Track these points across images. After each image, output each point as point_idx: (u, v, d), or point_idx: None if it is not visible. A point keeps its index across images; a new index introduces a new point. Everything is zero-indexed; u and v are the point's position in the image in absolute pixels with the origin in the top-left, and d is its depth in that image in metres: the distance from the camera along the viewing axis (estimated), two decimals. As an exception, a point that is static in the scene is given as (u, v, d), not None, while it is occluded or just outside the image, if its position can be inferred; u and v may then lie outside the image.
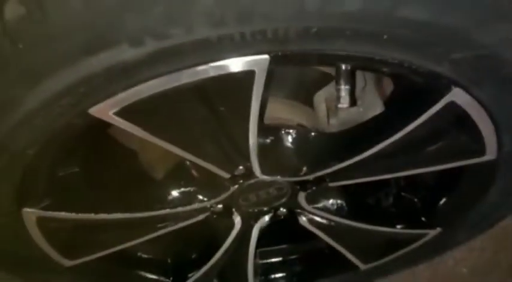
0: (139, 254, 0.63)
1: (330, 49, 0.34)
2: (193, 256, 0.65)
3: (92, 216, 0.48)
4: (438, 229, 0.61)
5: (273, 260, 0.71)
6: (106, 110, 0.35)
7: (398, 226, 0.61)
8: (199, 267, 0.64)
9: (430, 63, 0.35)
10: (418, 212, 0.61)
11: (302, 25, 0.31)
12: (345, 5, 0.30)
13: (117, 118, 0.36)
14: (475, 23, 0.32)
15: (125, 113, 0.36)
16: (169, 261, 0.66)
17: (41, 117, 0.34)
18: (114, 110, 0.35)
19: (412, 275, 0.79)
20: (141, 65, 0.32)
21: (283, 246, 0.71)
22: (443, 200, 0.58)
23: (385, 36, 0.32)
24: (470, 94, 0.39)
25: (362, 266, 0.68)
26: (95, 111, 0.35)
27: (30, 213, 0.45)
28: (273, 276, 0.72)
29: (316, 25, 0.31)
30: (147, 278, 0.64)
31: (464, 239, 0.66)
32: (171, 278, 0.66)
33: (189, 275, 0.65)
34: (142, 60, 0.31)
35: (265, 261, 0.70)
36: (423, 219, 0.60)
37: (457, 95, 0.38)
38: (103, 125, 0.40)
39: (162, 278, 0.65)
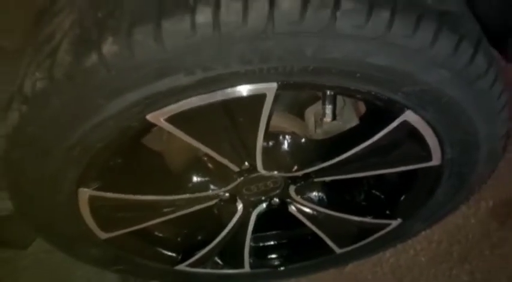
0: (156, 233, 0.77)
1: (320, 81, 0.48)
2: (199, 237, 0.79)
3: (130, 196, 0.61)
4: (399, 220, 0.76)
5: (266, 243, 0.85)
6: (159, 117, 0.49)
7: (368, 217, 0.76)
8: (204, 246, 0.78)
9: (388, 93, 0.50)
10: (383, 206, 0.75)
11: (303, 64, 0.45)
12: (332, 53, 0.44)
13: (165, 123, 0.49)
14: (419, 68, 0.47)
15: (171, 119, 0.49)
16: (179, 240, 0.80)
17: (114, 120, 0.47)
18: (165, 117, 0.49)
19: (379, 262, 0.94)
20: (190, 87, 0.46)
21: (275, 232, 0.85)
22: (403, 196, 0.73)
23: (358, 74, 0.47)
24: (419, 115, 0.53)
25: (338, 250, 0.82)
26: (151, 117, 0.48)
27: (85, 192, 0.58)
28: (264, 257, 0.86)
29: (312, 65, 0.45)
30: (161, 253, 0.77)
31: (419, 229, 0.81)
32: (180, 255, 0.79)
33: (196, 252, 0.79)
34: (192, 84, 0.45)
35: (259, 244, 0.84)
36: (387, 211, 0.75)
37: (409, 116, 0.53)
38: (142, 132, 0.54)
39: (173, 254, 0.79)
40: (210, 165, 0.64)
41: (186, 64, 0.43)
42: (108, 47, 0.42)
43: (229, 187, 0.65)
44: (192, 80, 0.44)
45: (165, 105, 0.47)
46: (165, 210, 0.68)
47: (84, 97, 0.45)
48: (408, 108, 0.52)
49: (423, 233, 0.91)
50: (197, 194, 0.65)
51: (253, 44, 0.42)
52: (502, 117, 0.57)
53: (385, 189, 0.75)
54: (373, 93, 0.50)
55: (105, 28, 0.42)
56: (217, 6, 0.40)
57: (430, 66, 0.47)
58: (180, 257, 0.79)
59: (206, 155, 0.61)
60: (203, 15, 0.40)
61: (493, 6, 0.60)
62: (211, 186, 0.66)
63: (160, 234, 0.78)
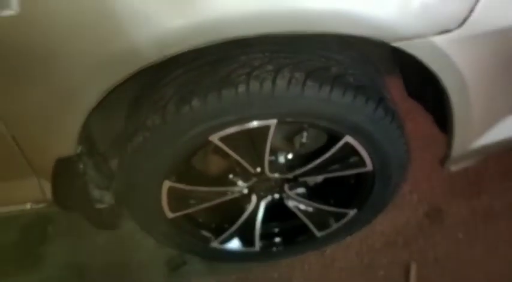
0: (199, 219, 1.19)
1: (302, 122, 0.93)
2: (226, 221, 1.21)
3: (192, 187, 1.05)
4: (355, 210, 1.18)
5: (269, 230, 1.27)
6: (215, 137, 0.93)
7: (335, 207, 1.19)
8: (227, 229, 1.20)
9: (334, 126, 0.95)
10: (345, 199, 1.18)
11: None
12: (307, 109, 0.90)
13: (219, 142, 0.94)
14: (349, 114, 0.92)
15: (221, 139, 0.94)
16: (213, 226, 1.22)
17: (202, 136, 0.91)
18: (219, 137, 0.93)
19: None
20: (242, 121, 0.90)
21: (274, 223, 1.27)
22: (355, 193, 1.16)
23: (319, 118, 0.92)
24: (354, 138, 0.98)
25: (318, 234, 1.24)
26: (212, 137, 0.93)
27: (166, 184, 1.01)
28: (267, 240, 1.27)
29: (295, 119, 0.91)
30: (203, 234, 1.19)
31: (370, 217, 1.23)
32: (214, 236, 1.21)
33: (222, 234, 1.20)
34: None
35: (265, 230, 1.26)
36: (347, 203, 1.18)
37: (348, 138, 0.98)
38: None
39: (210, 235, 1.20)
40: (237, 169, 1.08)
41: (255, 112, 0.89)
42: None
43: (248, 184, 1.09)
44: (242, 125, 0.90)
45: (222, 129, 0.92)
46: (212, 197, 1.11)
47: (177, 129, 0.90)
48: (347, 134, 0.97)
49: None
50: (230, 188, 1.09)
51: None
52: (402, 141, 1.02)
53: (345, 186, 1.18)
54: (327, 126, 0.95)
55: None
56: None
57: (354, 113, 0.92)
58: (213, 237, 1.21)
59: (236, 161, 1.04)
60: None
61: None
62: (239, 183, 1.10)
63: (201, 220, 1.20)
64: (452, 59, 0.83)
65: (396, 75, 1.15)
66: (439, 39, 0.81)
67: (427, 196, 1.41)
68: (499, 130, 1.05)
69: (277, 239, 1.28)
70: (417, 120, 1.24)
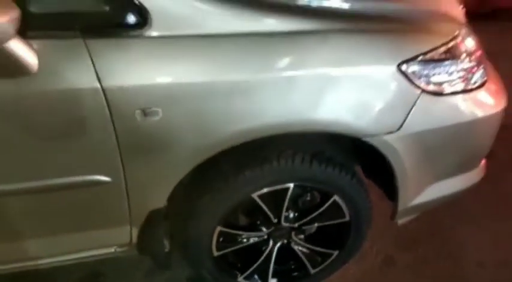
0: (230, 258, 1.67)
1: (307, 185, 1.50)
2: (246, 262, 1.69)
3: (236, 231, 1.55)
4: (337, 251, 1.71)
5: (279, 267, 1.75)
6: (255, 195, 1.46)
7: (325, 249, 1.71)
8: (249, 267, 1.68)
9: (327, 188, 1.52)
10: (330, 243, 1.71)
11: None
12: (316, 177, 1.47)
13: (257, 198, 1.47)
14: (335, 181, 1.51)
15: (259, 196, 1.47)
16: (239, 265, 1.70)
17: (247, 194, 1.45)
18: (257, 195, 1.47)
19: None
20: (271, 185, 1.45)
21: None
22: (338, 237, 1.70)
23: (313, 183, 1.50)
24: (338, 196, 1.55)
25: (312, 271, 1.74)
26: (253, 195, 1.46)
27: (219, 229, 1.51)
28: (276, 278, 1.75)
29: (304, 183, 1.48)
30: (232, 271, 1.66)
31: (347, 258, 1.76)
32: (240, 273, 1.68)
33: (247, 270, 1.68)
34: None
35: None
36: (332, 246, 1.71)
37: (336, 197, 1.55)
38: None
39: (237, 272, 1.67)
40: (262, 218, 1.60)
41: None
42: None
43: (269, 230, 1.61)
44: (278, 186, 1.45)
45: (260, 190, 1.46)
46: (243, 240, 1.61)
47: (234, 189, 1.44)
48: (334, 194, 1.54)
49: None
50: (257, 233, 1.61)
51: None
52: (367, 200, 1.60)
53: (329, 234, 1.72)
54: (323, 188, 1.52)
55: None
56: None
57: (339, 180, 1.51)
58: (239, 274, 1.68)
59: (264, 213, 1.56)
60: None
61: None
62: (264, 230, 1.61)
63: (230, 259, 1.68)
64: (396, 149, 1.45)
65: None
66: (387, 137, 1.43)
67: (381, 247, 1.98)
68: (426, 194, 1.66)
69: (281, 277, 1.77)
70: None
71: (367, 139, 1.42)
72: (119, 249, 1.55)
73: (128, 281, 1.83)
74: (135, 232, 1.49)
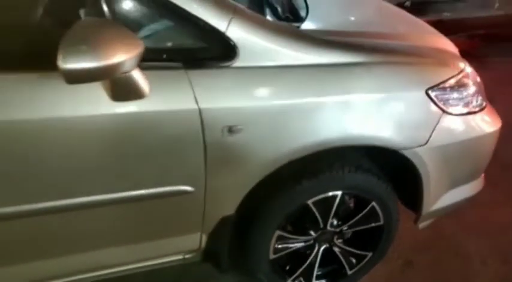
0: (280, 261, 1.88)
1: (352, 192, 1.76)
2: (293, 265, 1.91)
3: (290, 235, 1.78)
4: (371, 252, 1.97)
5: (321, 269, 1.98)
6: (310, 202, 1.71)
7: (361, 251, 1.96)
8: (300, 267, 1.90)
9: (367, 195, 1.78)
10: (365, 245, 1.96)
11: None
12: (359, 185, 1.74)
13: (311, 204, 1.72)
14: (374, 189, 1.78)
15: (313, 203, 1.72)
16: (287, 268, 1.91)
17: (302, 201, 1.69)
18: (311, 202, 1.71)
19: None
20: (323, 192, 1.71)
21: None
22: (372, 240, 1.96)
23: (359, 191, 1.76)
24: (375, 202, 1.82)
25: (349, 272, 1.98)
26: (308, 201, 1.71)
27: (278, 233, 1.74)
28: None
29: (349, 191, 1.74)
30: (283, 274, 1.88)
31: (378, 259, 2.01)
32: (288, 276, 1.89)
33: (293, 274, 1.90)
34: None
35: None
36: (368, 247, 1.97)
37: (374, 203, 1.81)
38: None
39: (286, 276, 1.89)
40: (313, 225, 1.84)
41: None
42: None
43: (316, 235, 1.85)
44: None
45: (314, 197, 1.70)
46: (294, 245, 1.84)
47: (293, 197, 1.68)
48: (373, 200, 1.81)
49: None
50: (307, 238, 1.84)
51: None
52: (396, 205, 1.87)
53: (364, 237, 1.97)
54: (363, 196, 1.79)
55: None
56: (331, 171, 1.70)
57: (377, 188, 1.78)
58: (287, 276, 1.89)
59: (315, 218, 1.80)
60: None
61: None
62: (312, 234, 1.85)
63: (280, 262, 1.90)
64: (424, 160, 1.75)
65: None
66: (417, 149, 1.72)
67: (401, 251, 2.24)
68: (443, 200, 1.96)
69: (322, 279, 1.99)
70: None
71: (403, 151, 1.70)
72: (187, 256, 1.74)
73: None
74: (204, 238, 1.69)
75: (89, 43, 1.10)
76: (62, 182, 1.37)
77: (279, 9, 1.86)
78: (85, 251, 1.57)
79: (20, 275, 1.52)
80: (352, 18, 2.20)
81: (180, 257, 1.74)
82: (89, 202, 1.43)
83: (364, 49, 1.67)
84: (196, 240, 1.69)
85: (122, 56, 1.13)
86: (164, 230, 1.64)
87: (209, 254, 1.75)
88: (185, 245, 1.70)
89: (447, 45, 2.10)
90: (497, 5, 5.69)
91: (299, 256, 1.91)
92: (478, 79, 1.91)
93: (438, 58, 1.86)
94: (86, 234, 1.53)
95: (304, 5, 1.91)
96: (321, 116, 1.54)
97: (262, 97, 1.48)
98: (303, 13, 1.86)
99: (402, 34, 2.08)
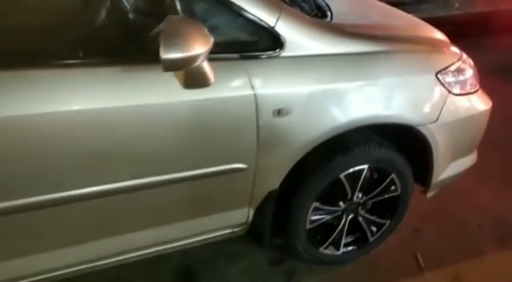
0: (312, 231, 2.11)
1: (376, 166, 2.02)
2: (323, 235, 2.14)
3: (324, 207, 2.00)
4: (389, 220, 2.22)
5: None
6: (342, 175, 1.94)
7: (381, 219, 2.21)
8: (330, 236, 2.13)
9: (388, 168, 2.04)
10: (384, 214, 2.22)
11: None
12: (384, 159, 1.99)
13: (343, 178, 1.95)
14: (394, 162, 2.04)
15: (345, 176, 1.96)
16: (318, 237, 2.14)
17: (336, 175, 1.92)
18: (343, 175, 1.95)
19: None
20: (353, 166, 1.95)
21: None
22: (390, 209, 2.22)
23: (386, 165, 2.02)
24: (395, 174, 2.08)
25: (370, 239, 2.23)
26: (340, 175, 1.94)
27: (314, 204, 1.96)
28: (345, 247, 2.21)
29: (373, 164, 1.99)
30: (315, 243, 2.11)
31: (394, 226, 2.27)
32: (320, 244, 2.12)
33: (326, 240, 2.13)
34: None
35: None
36: (387, 215, 2.22)
37: (393, 175, 2.07)
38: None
39: (317, 244, 2.12)
40: (342, 196, 2.07)
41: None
42: None
43: (344, 206, 2.09)
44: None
45: (345, 171, 1.94)
46: (326, 215, 2.07)
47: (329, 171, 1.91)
48: (393, 172, 2.07)
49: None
50: (338, 208, 2.07)
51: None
52: (411, 177, 2.14)
53: (383, 206, 2.23)
54: (386, 168, 2.04)
55: None
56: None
57: (396, 162, 2.04)
58: (319, 245, 2.12)
59: (345, 190, 2.04)
60: None
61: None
62: (341, 205, 2.08)
63: (313, 233, 2.12)
64: (435, 135, 2.02)
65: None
66: (430, 126, 2.00)
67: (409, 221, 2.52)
68: (447, 171, 2.24)
69: (349, 246, 2.23)
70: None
71: (418, 128, 1.97)
72: (235, 230, 1.94)
73: (213, 267, 2.18)
74: (251, 213, 1.90)
75: (181, 38, 1.29)
76: (135, 164, 1.54)
77: (307, 7, 2.09)
78: (149, 228, 1.74)
79: (101, 250, 1.70)
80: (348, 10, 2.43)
81: (229, 231, 1.93)
82: (156, 182, 1.61)
83: (382, 39, 1.93)
84: (244, 214, 1.89)
85: (201, 48, 1.33)
86: (218, 206, 1.83)
87: (253, 228, 1.95)
88: (235, 219, 1.90)
89: (438, 34, 2.38)
90: (457, 5, 6.25)
91: (329, 226, 2.13)
92: (472, 64, 2.20)
93: (440, 46, 2.14)
94: (149, 213, 1.71)
95: (324, 3, 2.15)
96: (354, 98, 1.79)
97: (305, 82, 1.70)
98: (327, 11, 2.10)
99: (401, 26, 2.35)
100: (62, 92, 1.38)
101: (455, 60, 2.06)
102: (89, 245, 1.67)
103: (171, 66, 1.29)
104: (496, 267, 2.29)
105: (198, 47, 1.31)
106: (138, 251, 1.81)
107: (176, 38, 1.29)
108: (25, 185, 1.42)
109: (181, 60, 1.29)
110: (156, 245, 1.83)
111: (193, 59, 1.32)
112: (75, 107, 1.38)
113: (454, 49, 2.17)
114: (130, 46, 1.52)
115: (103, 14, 1.70)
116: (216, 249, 2.25)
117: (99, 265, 1.77)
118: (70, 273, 1.71)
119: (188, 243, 1.90)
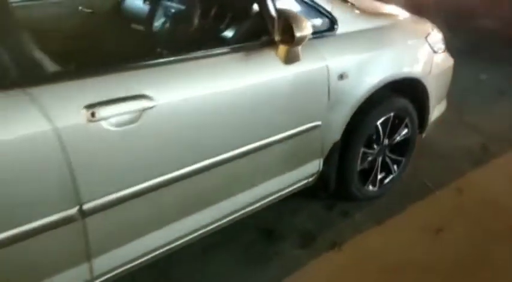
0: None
1: (398, 113, 2.63)
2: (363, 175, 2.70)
3: (367, 150, 2.56)
4: (404, 158, 2.86)
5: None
6: (378, 123, 2.52)
7: (400, 157, 2.83)
8: (370, 175, 2.69)
9: (404, 114, 2.67)
10: (400, 153, 2.84)
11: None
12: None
13: (379, 125, 2.53)
14: (408, 109, 2.67)
15: (380, 123, 2.54)
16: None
17: (375, 122, 2.49)
18: (379, 123, 2.53)
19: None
20: (385, 115, 2.54)
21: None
22: (404, 149, 2.85)
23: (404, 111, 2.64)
24: (408, 119, 2.71)
25: (394, 174, 2.84)
26: (377, 123, 2.52)
27: (362, 149, 2.51)
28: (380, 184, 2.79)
29: (397, 112, 2.61)
30: (360, 183, 2.66)
31: (407, 163, 2.91)
32: (363, 183, 2.68)
33: (368, 178, 2.69)
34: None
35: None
36: (403, 154, 2.85)
37: (407, 120, 2.71)
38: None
39: (361, 183, 2.67)
40: (377, 141, 2.65)
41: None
42: None
43: (377, 149, 2.66)
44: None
45: (379, 119, 2.52)
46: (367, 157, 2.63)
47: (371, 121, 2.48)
48: (406, 117, 2.70)
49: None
50: (373, 151, 2.64)
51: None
52: (416, 121, 2.80)
53: (399, 147, 2.85)
54: (402, 115, 2.66)
55: None
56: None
57: (409, 109, 2.68)
58: (362, 183, 2.68)
59: (379, 135, 2.61)
60: None
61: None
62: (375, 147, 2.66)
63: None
64: (430, 84, 2.70)
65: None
66: (427, 77, 2.67)
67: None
68: (433, 115, 2.95)
69: (384, 181, 2.82)
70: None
71: (422, 79, 2.63)
72: (310, 179, 2.42)
73: (280, 221, 2.62)
74: (321, 163, 2.39)
75: (303, 21, 1.78)
76: (259, 129, 1.97)
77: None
78: (254, 187, 2.14)
79: (219, 211, 2.05)
80: None
81: (305, 181, 2.40)
82: (265, 144, 2.04)
83: (387, 15, 2.57)
84: (317, 164, 2.38)
85: (307, 30, 1.83)
86: (302, 159, 2.29)
87: (321, 177, 2.44)
88: (311, 170, 2.37)
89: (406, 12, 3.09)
90: None
91: (365, 170, 2.70)
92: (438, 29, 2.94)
93: (418, 20, 2.85)
94: (256, 172, 2.12)
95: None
96: (386, 60, 2.40)
97: (355, 51, 2.27)
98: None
99: (380, 7, 3.00)
100: (210, 78, 1.78)
101: (432, 27, 2.78)
102: (218, 206, 2.02)
103: (298, 42, 1.77)
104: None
105: (308, 29, 1.81)
106: (243, 210, 2.16)
107: (301, 22, 1.77)
108: (193, 151, 1.77)
109: (304, 38, 1.78)
110: (256, 202, 2.22)
111: (305, 37, 1.81)
112: (231, 87, 1.80)
113: (426, 20, 2.88)
114: (245, 35, 1.96)
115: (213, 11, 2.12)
116: (277, 208, 2.64)
117: (215, 227, 2.08)
118: (198, 236, 2.02)
119: (277, 197, 2.32)
